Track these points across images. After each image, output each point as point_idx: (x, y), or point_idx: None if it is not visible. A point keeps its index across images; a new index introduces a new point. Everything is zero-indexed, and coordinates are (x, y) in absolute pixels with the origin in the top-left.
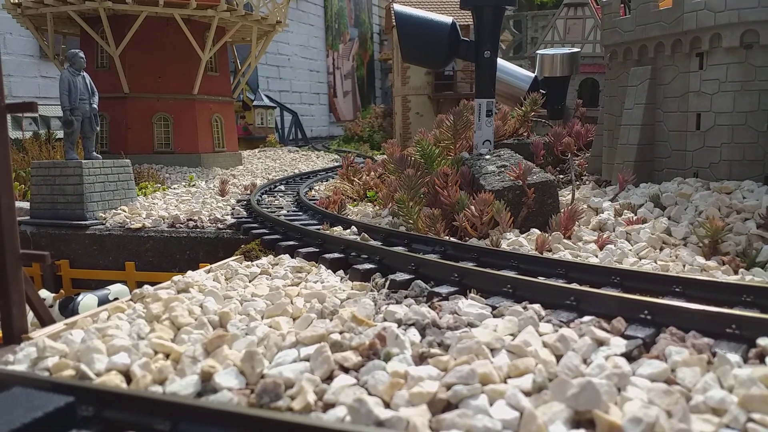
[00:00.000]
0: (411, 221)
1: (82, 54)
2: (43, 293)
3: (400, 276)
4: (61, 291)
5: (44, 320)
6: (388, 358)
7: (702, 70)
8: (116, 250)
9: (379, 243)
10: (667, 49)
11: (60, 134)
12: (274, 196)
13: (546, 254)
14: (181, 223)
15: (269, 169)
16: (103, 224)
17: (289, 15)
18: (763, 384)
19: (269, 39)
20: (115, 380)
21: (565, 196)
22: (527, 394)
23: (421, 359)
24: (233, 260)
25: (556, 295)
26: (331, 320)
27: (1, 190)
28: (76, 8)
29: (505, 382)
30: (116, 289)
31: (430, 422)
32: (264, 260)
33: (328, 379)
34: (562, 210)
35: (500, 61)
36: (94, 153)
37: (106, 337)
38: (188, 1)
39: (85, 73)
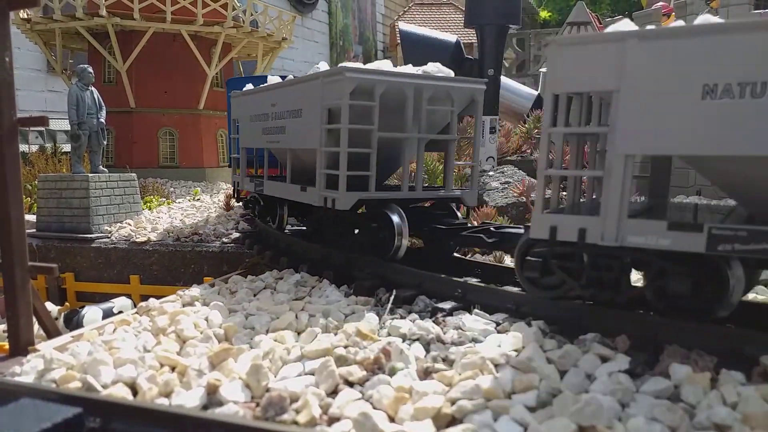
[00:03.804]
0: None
1: (90, 69)
2: (48, 306)
3: (404, 291)
4: (66, 304)
5: (50, 332)
6: (392, 372)
7: None
8: (121, 264)
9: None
10: None
11: (66, 148)
12: None
13: None
14: (186, 237)
15: None
16: (108, 237)
17: (295, 32)
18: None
19: (275, 55)
20: (122, 392)
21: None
22: (531, 409)
23: (425, 374)
24: (238, 274)
25: (559, 311)
26: (335, 334)
27: (10, 203)
28: (85, 24)
29: (510, 398)
30: (120, 302)
31: None
32: (268, 275)
33: (333, 392)
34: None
35: (503, 79)
36: (101, 167)
37: (112, 349)
38: (195, 17)
39: (93, 88)
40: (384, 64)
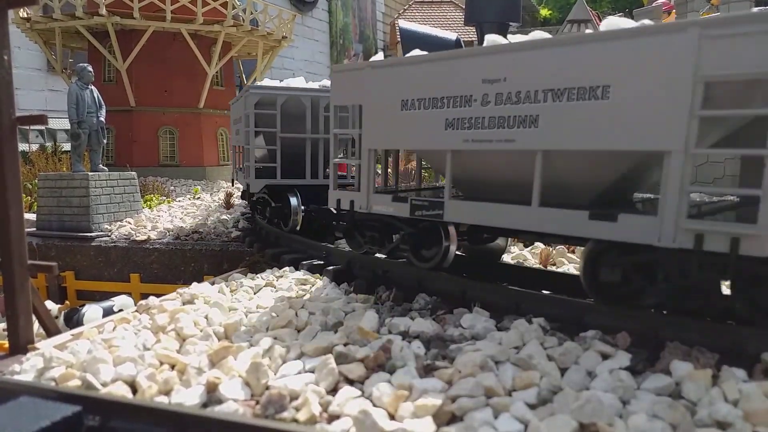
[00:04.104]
0: None
1: (90, 68)
2: (49, 304)
3: (405, 289)
4: (66, 302)
5: (50, 331)
6: (392, 370)
7: None
8: (121, 262)
9: (383, 256)
10: None
11: (66, 147)
12: None
13: (550, 268)
14: (186, 236)
15: None
16: (108, 236)
17: (295, 30)
18: None
19: (275, 54)
20: (121, 390)
21: None
22: (532, 407)
23: (425, 371)
24: (238, 272)
25: (560, 308)
26: (335, 332)
27: (10, 201)
28: (85, 23)
29: (510, 395)
30: (121, 300)
31: None
32: (268, 272)
33: (333, 390)
34: None
35: None
36: (101, 165)
37: (112, 347)
38: (195, 16)
39: (93, 87)
40: (295, 81)
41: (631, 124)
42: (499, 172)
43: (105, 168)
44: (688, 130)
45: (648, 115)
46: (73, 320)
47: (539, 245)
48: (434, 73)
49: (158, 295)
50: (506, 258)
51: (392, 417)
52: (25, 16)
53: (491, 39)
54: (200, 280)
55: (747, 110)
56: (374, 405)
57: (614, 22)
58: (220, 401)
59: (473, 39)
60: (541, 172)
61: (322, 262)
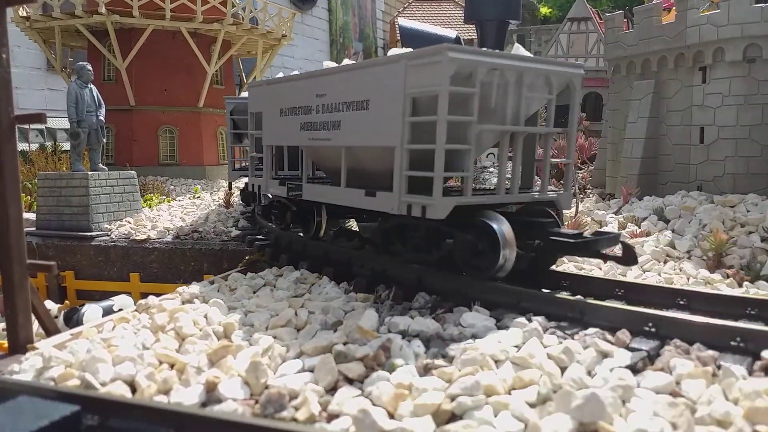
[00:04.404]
0: None
1: (89, 67)
2: (48, 304)
3: (404, 287)
4: (66, 302)
5: (49, 330)
6: (392, 369)
7: (705, 83)
8: (121, 262)
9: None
10: (670, 63)
11: (66, 146)
12: None
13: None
14: (186, 235)
15: None
16: (108, 235)
17: (295, 29)
18: None
19: (274, 52)
20: (120, 390)
21: (568, 209)
22: (532, 405)
23: (425, 370)
24: (237, 271)
25: (560, 307)
26: (335, 331)
27: (9, 200)
28: (84, 22)
29: (510, 394)
30: (120, 300)
31: None
32: (268, 271)
33: (333, 389)
34: (566, 223)
35: None
36: (100, 165)
37: (111, 347)
38: (194, 14)
39: (92, 86)
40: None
41: (379, 128)
42: (329, 162)
43: (105, 167)
44: (403, 132)
45: (386, 121)
46: (73, 320)
47: None
48: (294, 89)
49: (158, 295)
50: None
51: (392, 416)
52: (25, 14)
53: (325, 64)
54: (200, 280)
55: (429, 117)
56: (374, 404)
57: (395, 51)
58: (219, 400)
59: (473, 37)
60: (345, 162)
61: (321, 261)
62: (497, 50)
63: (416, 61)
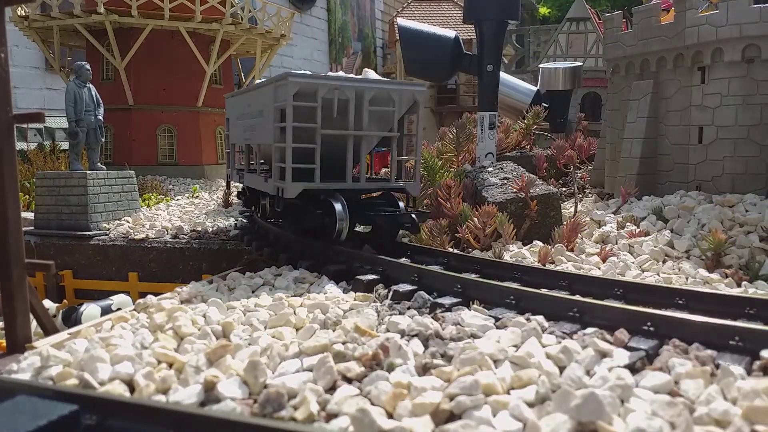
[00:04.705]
0: None
1: (88, 66)
2: (47, 303)
3: (403, 287)
4: (65, 301)
5: (48, 329)
6: (391, 368)
7: (704, 84)
8: (119, 261)
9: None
10: (669, 63)
11: (64, 145)
12: None
13: (549, 266)
14: (185, 234)
15: None
16: (106, 235)
17: (294, 29)
18: (767, 396)
19: (273, 52)
20: (119, 389)
21: (567, 208)
22: (530, 405)
23: (424, 370)
24: (236, 271)
25: (559, 306)
26: (334, 331)
27: (7, 199)
28: (83, 21)
29: (509, 393)
30: (119, 299)
31: None
32: (267, 271)
33: (331, 389)
34: (565, 222)
35: (503, 75)
36: (99, 164)
37: (109, 346)
38: (193, 14)
39: (90, 85)
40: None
41: (267, 130)
42: (258, 156)
43: (103, 166)
44: (274, 134)
45: (269, 126)
46: (72, 319)
47: (538, 243)
48: (241, 100)
49: (156, 294)
50: (505, 257)
51: (390, 415)
52: (23, 14)
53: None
54: (198, 279)
55: (282, 123)
56: (372, 403)
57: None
58: (217, 400)
59: (472, 37)
60: (258, 156)
61: (320, 261)
62: (340, 74)
63: (279, 83)
